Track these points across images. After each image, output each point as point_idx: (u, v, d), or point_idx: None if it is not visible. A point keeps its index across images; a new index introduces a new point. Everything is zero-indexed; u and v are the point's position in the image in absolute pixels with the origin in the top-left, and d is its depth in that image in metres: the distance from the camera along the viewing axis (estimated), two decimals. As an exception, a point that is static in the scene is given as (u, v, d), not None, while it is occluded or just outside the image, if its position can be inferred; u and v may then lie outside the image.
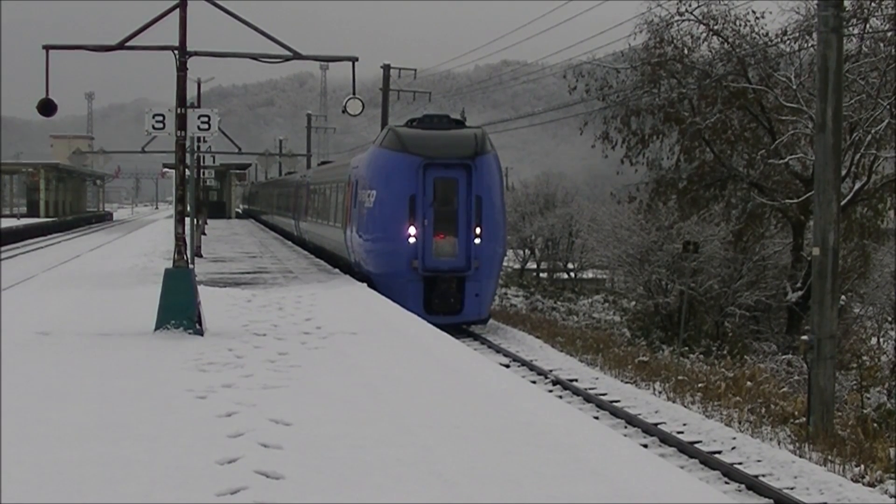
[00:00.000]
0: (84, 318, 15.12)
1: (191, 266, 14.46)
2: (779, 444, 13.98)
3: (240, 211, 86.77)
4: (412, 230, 22.77)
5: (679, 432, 14.21)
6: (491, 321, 25.50)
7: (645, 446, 12.70)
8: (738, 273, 27.95)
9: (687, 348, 24.37)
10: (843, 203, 22.37)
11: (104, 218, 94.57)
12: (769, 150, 27.65)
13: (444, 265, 23.03)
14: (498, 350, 21.57)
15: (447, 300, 22.96)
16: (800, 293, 26.40)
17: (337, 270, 25.97)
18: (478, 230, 22.88)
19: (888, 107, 24.83)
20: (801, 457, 13.06)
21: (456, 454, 7.40)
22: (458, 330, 22.66)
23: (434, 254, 22.97)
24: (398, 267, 22.89)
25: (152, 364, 11.13)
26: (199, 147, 28.60)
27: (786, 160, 26.88)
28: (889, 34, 26.34)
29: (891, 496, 11.35)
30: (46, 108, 14.20)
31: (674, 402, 16.73)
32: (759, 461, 12.69)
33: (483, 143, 23.28)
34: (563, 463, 7.25)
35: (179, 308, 13.43)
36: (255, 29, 14.65)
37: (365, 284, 22.25)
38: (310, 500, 6.28)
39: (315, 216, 34.33)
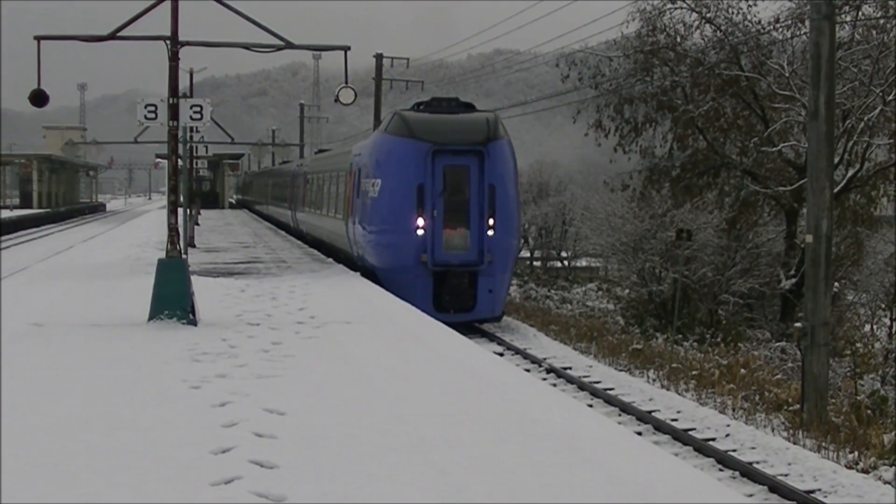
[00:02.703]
0: (77, 309, 15.09)
1: (184, 256, 14.44)
2: (773, 431, 14.02)
3: (233, 201, 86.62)
4: (420, 221, 21.32)
5: (673, 420, 14.24)
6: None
7: (639, 434, 12.75)
8: (732, 261, 28.00)
9: (681, 336, 24.41)
10: (836, 190, 22.44)
11: (97, 209, 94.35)
12: (762, 138, 27.68)
13: (455, 259, 21.58)
14: (492, 338, 21.54)
15: (458, 296, 21.57)
16: (793, 280, 26.46)
17: (331, 260, 25.86)
18: (491, 221, 21.39)
19: (881, 94, 24.85)
20: (794, 444, 13.10)
21: (450, 443, 7.41)
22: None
23: (444, 247, 21.51)
24: (405, 261, 21.51)
25: (146, 354, 11.12)
26: (191, 137, 28.53)
27: (779, 148, 26.91)
28: (881, 21, 26.37)
29: (885, 482, 11.38)
30: (38, 98, 14.13)
31: (668, 389, 16.77)
32: (753, 448, 12.73)
33: (496, 128, 21.80)
34: (557, 451, 7.25)
35: (173, 298, 13.39)
36: (248, 18, 14.61)
37: (358, 274, 21.93)
38: (304, 488, 6.28)
39: (314, 207, 33.13)
